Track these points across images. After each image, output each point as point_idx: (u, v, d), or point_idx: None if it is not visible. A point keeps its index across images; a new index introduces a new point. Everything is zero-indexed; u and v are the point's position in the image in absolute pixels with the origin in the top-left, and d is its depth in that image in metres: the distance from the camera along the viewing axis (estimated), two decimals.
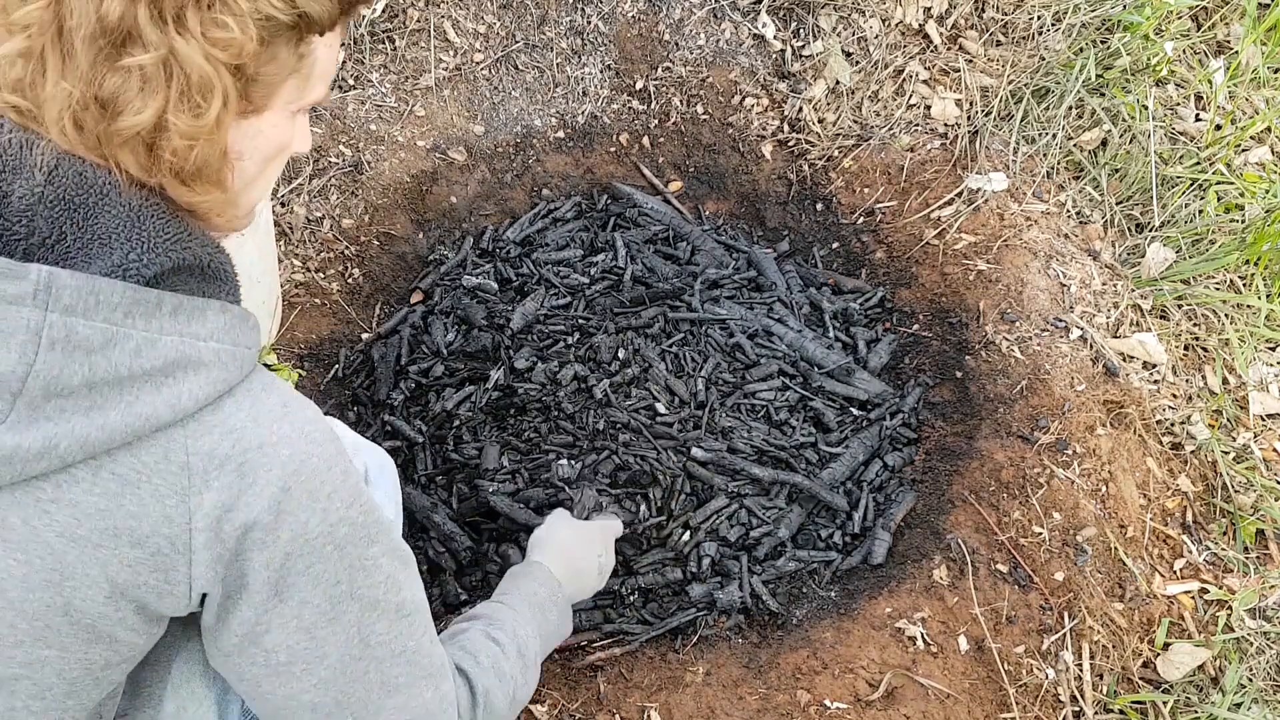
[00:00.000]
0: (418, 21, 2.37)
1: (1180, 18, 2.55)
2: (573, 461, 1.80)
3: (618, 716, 1.53)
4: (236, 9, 0.78)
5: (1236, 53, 2.51)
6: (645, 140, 2.49)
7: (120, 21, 0.75)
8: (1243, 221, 2.24)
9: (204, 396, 0.80)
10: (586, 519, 1.66)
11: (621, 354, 1.96)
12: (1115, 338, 2.03)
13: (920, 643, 1.62)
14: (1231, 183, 2.30)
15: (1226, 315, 2.12)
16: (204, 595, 0.86)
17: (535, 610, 1.28)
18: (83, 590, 0.79)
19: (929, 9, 2.47)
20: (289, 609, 0.87)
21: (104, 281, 0.76)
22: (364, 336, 2.13)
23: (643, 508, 1.77)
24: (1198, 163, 2.33)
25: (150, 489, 0.79)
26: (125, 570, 0.80)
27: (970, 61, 2.44)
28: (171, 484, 0.79)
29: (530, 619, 1.25)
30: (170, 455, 0.79)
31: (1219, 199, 2.29)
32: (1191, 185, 2.28)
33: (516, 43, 2.44)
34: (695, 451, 1.80)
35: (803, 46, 2.49)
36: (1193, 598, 1.80)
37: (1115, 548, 1.77)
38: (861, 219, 2.35)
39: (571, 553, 1.46)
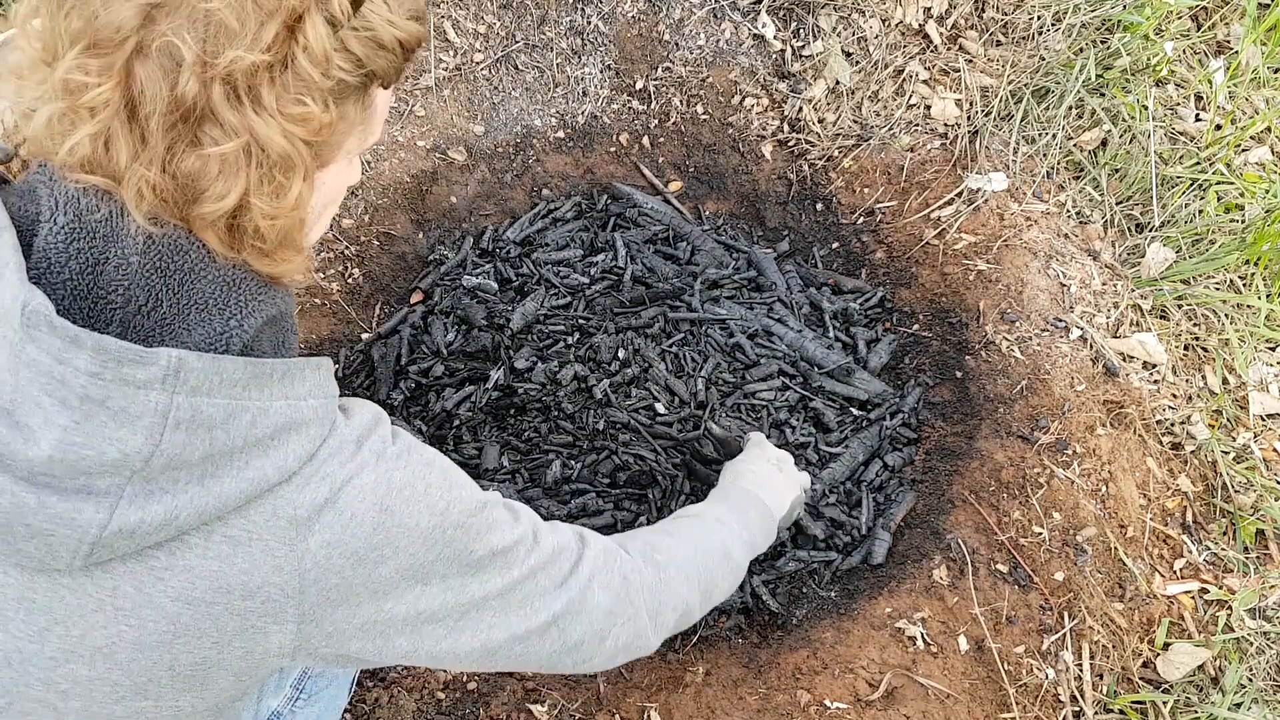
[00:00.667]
0: None
1: (1180, 18, 2.55)
2: (571, 461, 1.81)
3: (618, 716, 1.53)
4: (311, 80, 0.77)
5: (1236, 53, 2.51)
6: (645, 140, 2.49)
7: (195, 101, 0.74)
8: (1243, 221, 2.24)
9: (305, 453, 0.83)
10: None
11: (621, 354, 1.96)
12: (1115, 338, 2.03)
13: (920, 643, 1.62)
14: (1231, 183, 2.30)
15: (1226, 315, 2.12)
16: (318, 623, 0.88)
17: (743, 525, 1.40)
18: (192, 644, 0.82)
19: (929, 9, 2.47)
20: (434, 589, 0.92)
21: (228, 360, 0.77)
22: (364, 336, 2.13)
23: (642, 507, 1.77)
24: (1198, 163, 2.33)
25: (261, 545, 0.81)
26: (234, 619, 0.82)
27: (970, 61, 2.44)
28: (280, 537, 0.82)
29: (740, 527, 1.38)
30: (279, 512, 0.82)
31: (1219, 199, 2.29)
32: (1191, 185, 2.28)
33: (516, 43, 2.44)
34: (713, 427, 1.79)
35: (803, 46, 2.49)
36: (1193, 598, 1.80)
37: (1115, 548, 1.77)
38: (861, 219, 2.35)
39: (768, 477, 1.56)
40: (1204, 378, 2.06)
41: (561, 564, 1.04)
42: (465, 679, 1.58)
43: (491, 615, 0.98)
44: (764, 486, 1.53)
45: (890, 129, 2.38)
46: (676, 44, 2.49)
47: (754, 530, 1.42)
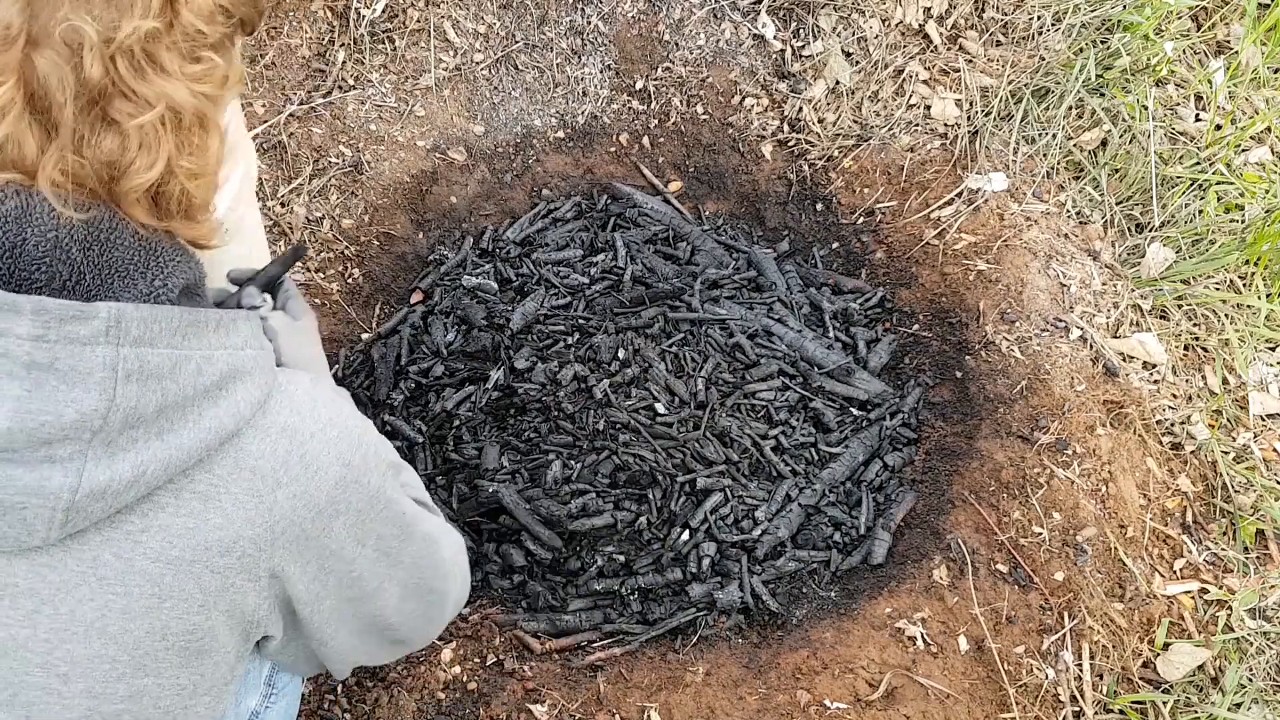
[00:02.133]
0: (418, 21, 2.37)
1: (1180, 18, 2.55)
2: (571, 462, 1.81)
3: (618, 716, 1.53)
4: (200, 36, 0.79)
5: (1236, 53, 2.51)
6: (645, 140, 2.49)
7: (102, 80, 0.74)
8: (1243, 221, 2.24)
9: (255, 400, 0.85)
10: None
11: (621, 354, 1.96)
12: (1115, 338, 2.03)
13: (920, 643, 1.62)
14: (1231, 183, 2.30)
15: (1226, 315, 2.12)
16: (283, 580, 0.91)
17: None
18: (179, 607, 0.83)
19: (929, 9, 2.47)
20: (369, 547, 0.96)
21: (165, 309, 0.78)
22: (364, 336, 2.13)
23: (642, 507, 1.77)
24: (1198, 163, 2.32)
25: (230, 498, 0.83)
26: (215, 577, 0.84)
27: (970, 61, 2.44)
28: (247, 489, 0.84)
29: None
30: (240, 464, 0.84)
31: (1219, 199, 2.29)
32: (1191, 185, 2.28)
33: (516, 43, 2.44)
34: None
35: (803, 46, 2.49)
36: (1193, 598, 1.80)
37: (1115, 548, 1.77)
38: (861, 219, 2.35)
39: (319, 360, 1.38)
40: (1204, 378, 2.06)
41: (451, 543, 1.12)
42: (465, 679, 1.58)
43: (399, 590, 1.03)
44: (324, 374, 1.41)
45: (890, 129, 2.38)
46: (676, 44, 2.49)
47: None
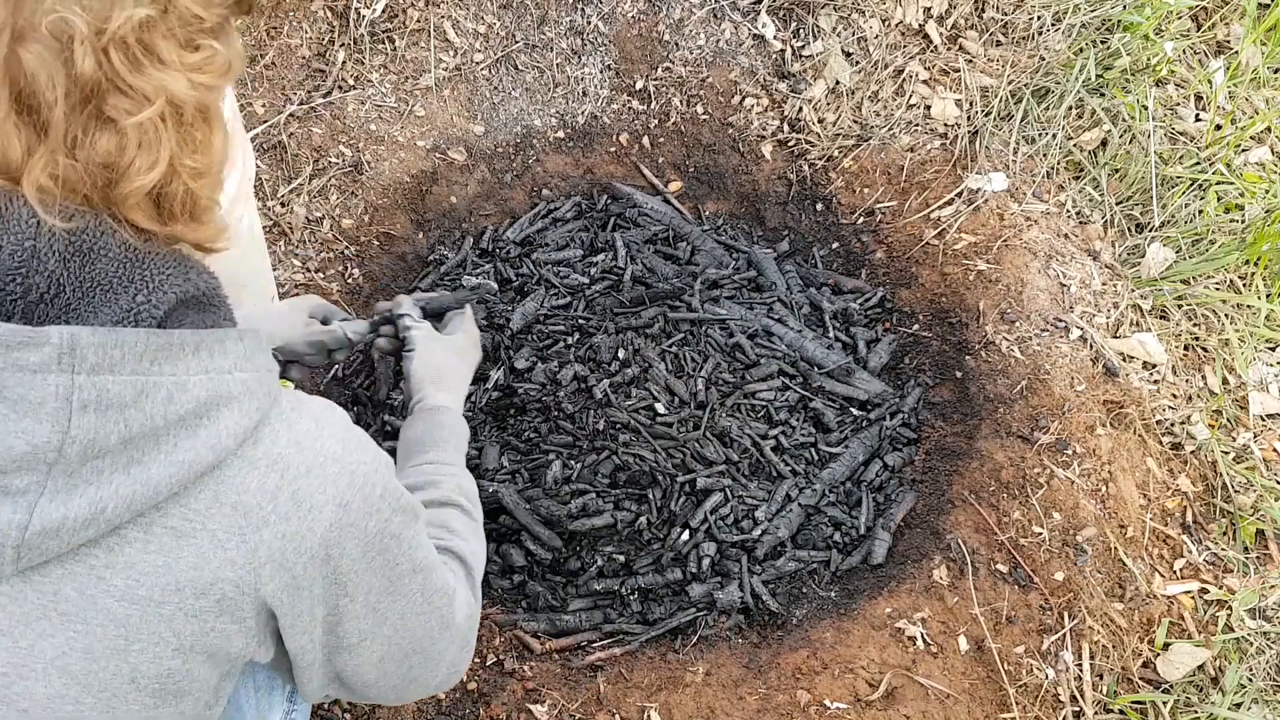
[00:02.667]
0: (418, 21, 2.37)
1: (1180, 18, 2.55)
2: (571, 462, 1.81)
3: (618, 716, 1.53)
4: (197, 22, 0.73)
5: (1236, 53, 2.51)
6: (645, 140, 2.49)
7: (95, 75, 0.69)
8: (1243, 221, 2.24)
9: (242, 430, 0.77)
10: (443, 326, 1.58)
11: (621, 354, 1.96)
12: (1115, 338, 2.03)
13: (920, 643, 1.62)
14: (1231, 183, 2.30)
15: (1226, 315, 2.12)
16: (272, 627, 0.86)
17: (459, 452, 1.30)
18: (150, 651, 0.77)
19: (929, 9, 2.47)
20: (359, 601, 0.88)
21: (126, 332, 0.72)
22: None
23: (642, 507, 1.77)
24: (1198, 163, 2.33)
25: (207, 535, 0.76)
26: (191, 621, 0.78)
27: (970, 61, 2.44)
28: (227, 527, 0.77)
29: (459, 461, 1.28)
30: (221, 498, 0.77)
31: (1219, 199, 2.29)
32: (1191, 185, 2.28)
33: (516, 43, 2.44)
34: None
35: (803, 46, 2.49)
36: (1193, 598, 1.80)
37: (1115, 548, 1.77)
38: (861, 219, 2.35)
39: (456, 373, 1.42)
40: (1204, 378, 2.06)
41: (451, 603, 1.02)
42: (465, 679, 1.58)
43: (381, 648, 0.94)
44: (456, 390, 1.40)
45: (890, 129, 2.38)
46: (676, 44, 2.49)
47: (465, 448, 1.35)
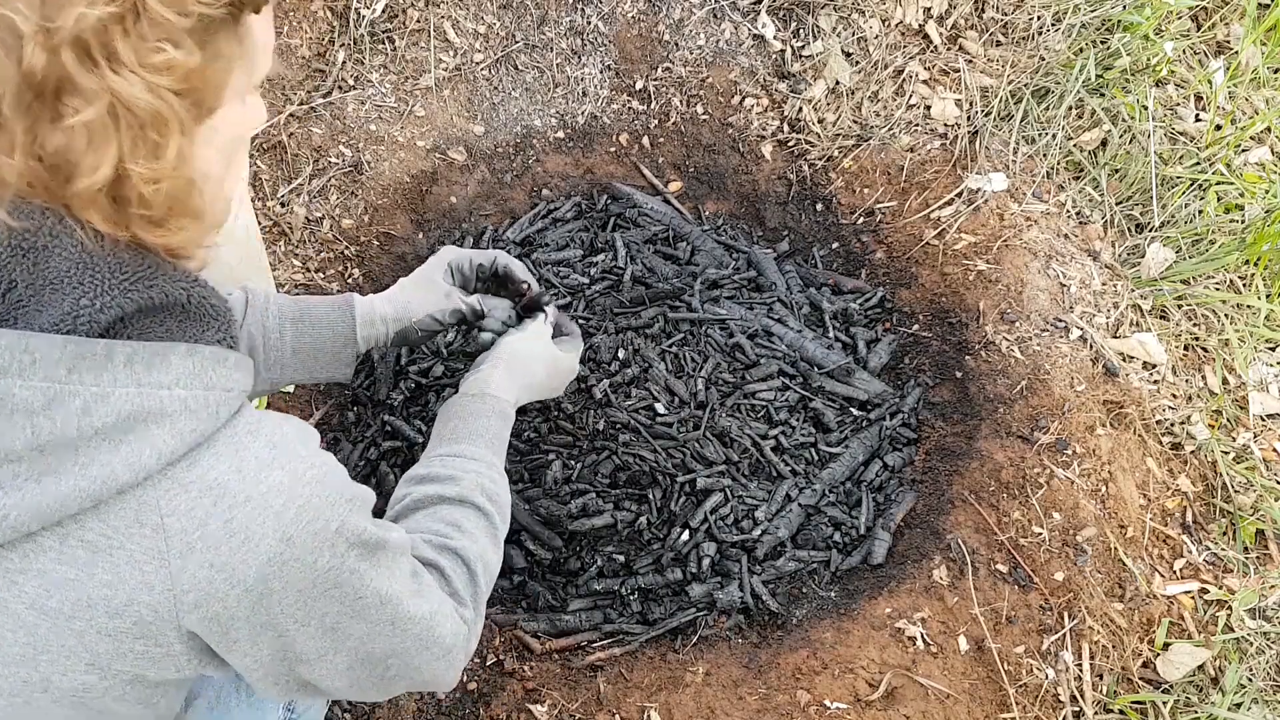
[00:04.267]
0: (418, 21, 2.37)
1: (1180, 18, 2.55)
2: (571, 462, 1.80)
3: (618, 716, 1.53)
4: (168, 23, 0.70)
5: (1236, 53, 2.51)
6: (645, 140, 2.49)
7: (46, 73, 0.67)
8: (1243, 221, 2.24)
9: (171, 451, 0.74)
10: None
11: (621, 354, 1.96)
12: (1115, 338, 2.03)
13: (920, 643, 1.62)
14: (1231, 183, 2.30)
15: (1226, 315, 2.12)
16: (204, 647, 0.82)
17: (493, 449, 1.22)
18: (60, 663, 0.75)
19: (929, 9, 2.47)
20: (311, 626, 0.84)
21: (39, 338, 0.70)
22: None
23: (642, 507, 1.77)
24: (1198, 163, 2.33)
25: (124, 555, 0.73)
26: (105, 640, 0.75)
27: (970, 61, 2.44)
28: (146, 549, 0.73)
29: (491, 459, 1.21)
30: (142, 518, 0.73)
31: (1219, 199, 2.29)
32: (1191, 185, 2.28)
33: (516, 43, 2.44)
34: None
35: (803, 46, 2.49)
36: (1193, 598, 1.80)
37: (1115, 548, 1.77)
38: (861, 219, 2.35)
39: (532, 375, 1.35)
40: (1204, 378, 2.06)
41: (434, 629, 0.97)
42: (465, 679, 1.58)
43: (347, 658, 0.90)
44: (521, 388, 1.33)
45: (890, 129, 2.38)
46: (676, 44, 2.49)
47: (503, 448, 1.26)
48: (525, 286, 1.43)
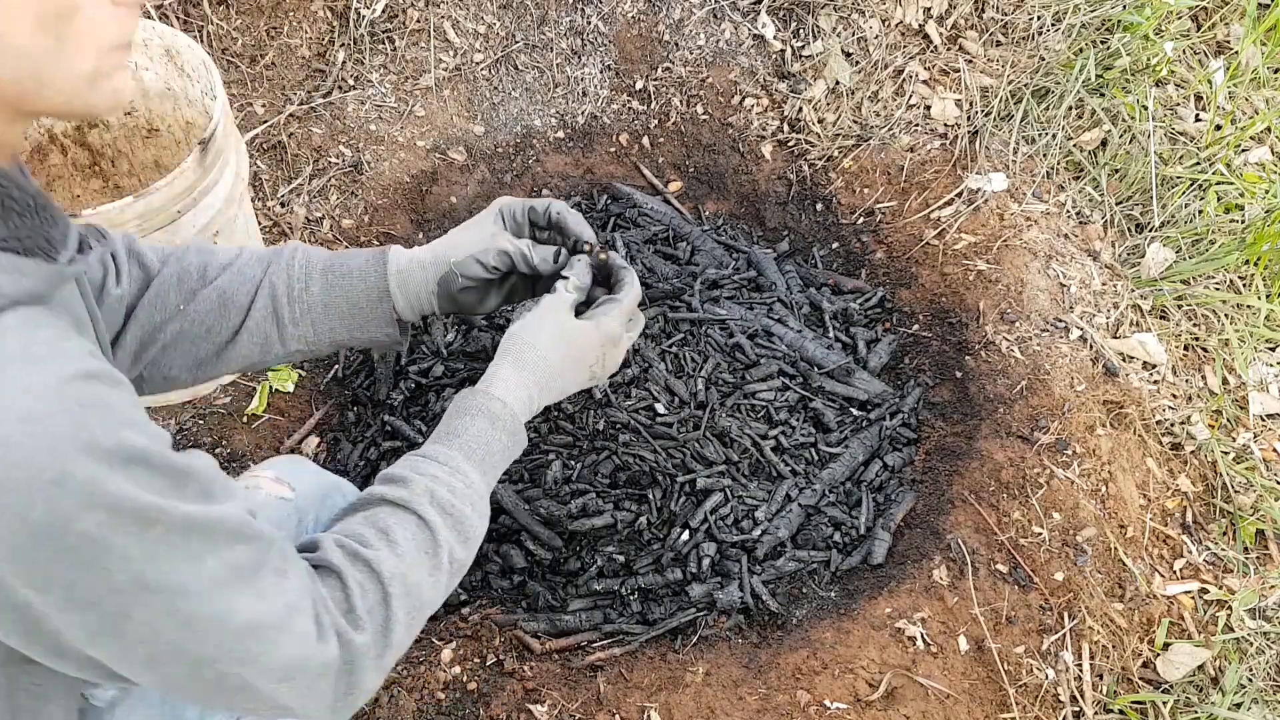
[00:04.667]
0: (418, 21, 2.37)
1: (1180, 18, 2.55)
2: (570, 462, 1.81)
3: (618, 716, 1.53)
4: None
5: (1236, 53, 2.51)
6: (645, 140, 2.49)
7: None
8: (1243, 221, 2.24)
9: None
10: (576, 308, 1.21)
11: None
12: (1115, 338, 2.03)
13: (920, 643, 1.62)
14: (1231, 183, 2.30)
15: (1226, 315, 2.12)
16: None
17: (473, 459, 1.05)
18: None
19: (929, 9, 2.47)
20: (55, 597, 0.69)
21: None
22: None
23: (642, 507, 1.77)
24: (1198, 163, 2.33)
25: None
26: None
27: (970, 61, 2.44)
28: None
29: (465, 468, 1.03)
30: None
31: (1219, 199, 2.29)
32: (1191, 185, 2.29)
33: (516, 43, 2.44)
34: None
35: (803, 46, 2.49)
36: (1193, 598, 1.80)
37: (1115, 548, 1.77)
38: (861, 219, 2.35)
39: (550, 366, 1.15)
40: (1204, 378, 2.06)
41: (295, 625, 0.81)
42: (465, 679, 1.58)
43: (144, 652, 0.75)
44: (537, 383, 1.13)
45: (890, 129, 2.38)
46: (676, 44, 2.49)
47: (488, 455, 1.07)
48: (576, 242, 1.21)
